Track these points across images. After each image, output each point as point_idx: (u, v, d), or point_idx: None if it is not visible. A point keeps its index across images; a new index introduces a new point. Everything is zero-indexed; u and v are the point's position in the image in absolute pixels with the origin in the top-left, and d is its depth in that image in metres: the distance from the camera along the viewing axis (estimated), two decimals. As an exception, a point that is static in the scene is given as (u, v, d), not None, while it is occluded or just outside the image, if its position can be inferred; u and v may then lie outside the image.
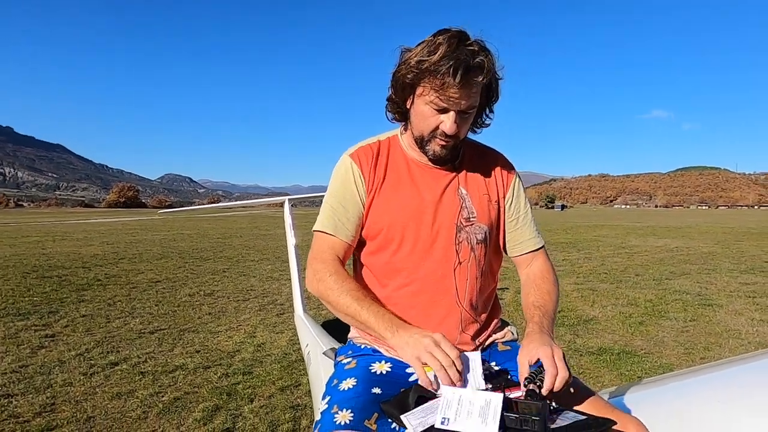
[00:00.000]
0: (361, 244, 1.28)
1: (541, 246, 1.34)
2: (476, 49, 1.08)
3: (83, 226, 24.42)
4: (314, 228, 1.26)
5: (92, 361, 3.80)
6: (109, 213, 62.69)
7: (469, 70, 1.06)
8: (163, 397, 3.14)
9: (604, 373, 3.68)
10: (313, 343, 2.41)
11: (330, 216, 1.24)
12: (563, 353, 0.99)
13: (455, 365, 0.96)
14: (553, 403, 0.89)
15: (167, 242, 15.01)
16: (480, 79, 1.09)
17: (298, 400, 3.14)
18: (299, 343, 3.05)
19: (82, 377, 3.45)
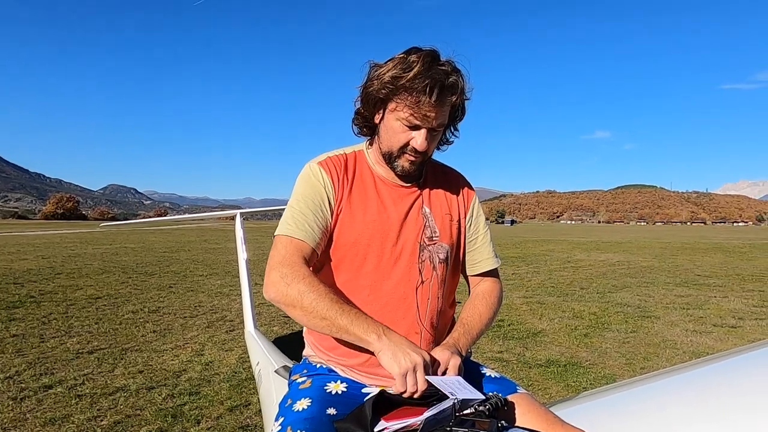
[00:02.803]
0: (322, 256, 1.24)
1: (495, 267, 1.36)
2: (449, 69, 1.11)
3: (16, 239, 22.90)
4: (279, 232, 1.18)
5: (23, 384, 3.54)
6: (45, 225, 59.18)
7: (443, 89, 1.09)
8: (102, 421, 2.96)
9: (552, 384, 3.79)
10: (265, 361, 2.35)
11: (297, 220, 1.18)
12: (461, 363, 1.08)
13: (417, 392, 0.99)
14: (503, 422, 0.91)
15: (109, 256, 14.29)
16: (453, 98, 1.13)
17: (248, 420, 3.04)
18: (250, 361, 2.97)
19: (11, 402, 3.20)
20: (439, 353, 1.09)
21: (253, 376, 2.71)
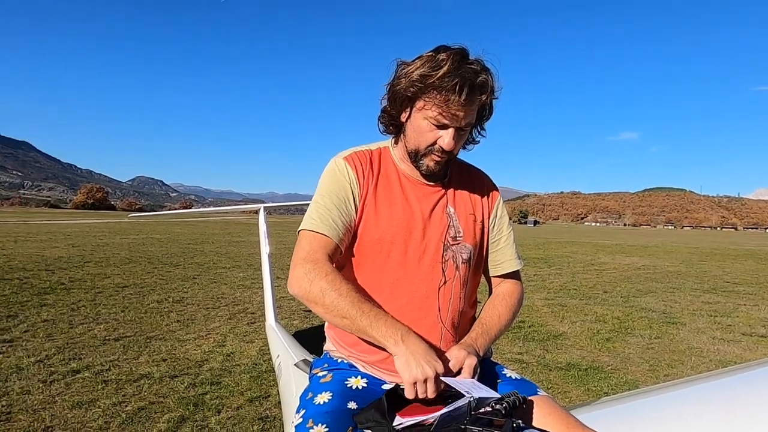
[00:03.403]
0: (346, 252, 1.23)
1: (517, 269, 1.35)
2: (478, 68, 1.10)
3: (48, 227, 23.63)
4: (304, 227, 1.18)
5: (52, 368, 3.66)
6: (76, 214, 60.92)
7: (473, 89, 1.08)
8: (126, 406, 3.04)
9: (572, 388, 3.74)
10: (285, 354, 2.38)
11: (322, 215, 1.17)
12: (476, 363, 1.08)
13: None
14: (519, 422, 0.91)
15: (136, 246, 14.64)
16: (483, 98, 1.12)
17: (267, 411, 3.08)
18: (270, 353, 3.01)
19: (41, 385, 3.32)
20: (456, 353, 1.09)
21: (273, 369, 2.75)
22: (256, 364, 3.98)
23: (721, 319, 6.57)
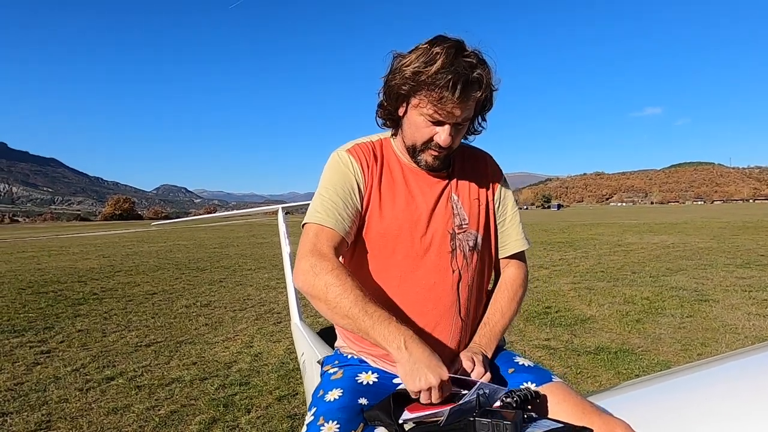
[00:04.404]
0: (352, 246, 1.22)
1: (523, 249, 1.33)
2: (474, 61, 1.05)
3: (79, 240, 24.34)
4: (309, 220, 1.15)
5: (88, 376, 3.78)
6: (105, 226, 62.53)
7: (467, 85, 1.04)
8: (159, 410, 3.12)
9: (602, 372, 3.68)
10: (309, 352, 2.40)
11: (328, 208, 1.14)
12: (486, 371, 1.08)
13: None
14: (532, 413, 0.89)
15: (163, 254, 14.96)
16: (478, 93, 1.08)
17: (296, 409, 3.12)
18: (296, 352, 3.04)
19: (77, 393, 3.43)
20: (464, 362, 1.09)
21: (299, 367, 2.78)
22: (283, 363, 4.04)
23: (756, 293, 6.37)
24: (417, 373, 0.95)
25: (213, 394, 3.38)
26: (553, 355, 4.13)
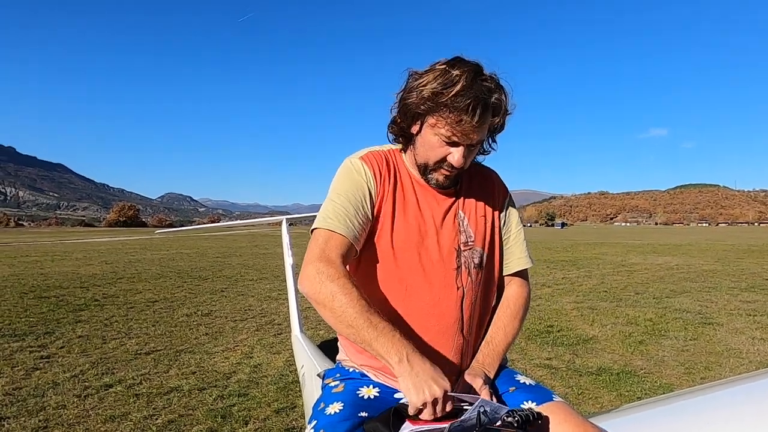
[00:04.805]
0: (359, 255, 1.20)
1: (526, 267, 1.33)
2: (492, 86, 1.07)
3: (83, 246, 24.39)
4: (320, 226, 1.14)
5: (87, 383, 3.76)
6: (109, 232, 62.70)
7: (486, 109, 1.06)
8: (157, 419, 3.10)
9: (604, 393, 3.64)
10: (309, 364, 2.40)
11: (339, 215, 1.13)
12: (488, 390, 1.07)
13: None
14: None
15: (166, 262, 14.97)
16: (495, 119, 1.11)
17: (294, 422, 3.10)
18: (296, 364, 3.03)
19: (75, 399, 3.41)
20: (466, 380, 1.10)
21: (298, 379, 2.76)
22: (282, 375, 4.01)
23: (761, 318, 6.31)
24: (422, 385, 0.94)
25: (211, 405, 3.36)
26: (555, 374, 4.09)
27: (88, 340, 5.15)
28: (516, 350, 4.84)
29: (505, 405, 0.95)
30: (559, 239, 36.29)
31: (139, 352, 4.70)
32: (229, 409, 3.28)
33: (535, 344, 5.06)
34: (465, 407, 0.95)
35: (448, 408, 0.95)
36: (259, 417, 3.17)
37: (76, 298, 7.85)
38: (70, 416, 3.12)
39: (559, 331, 5.67)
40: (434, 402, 0.94)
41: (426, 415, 0.94)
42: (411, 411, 0.96)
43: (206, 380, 3.89)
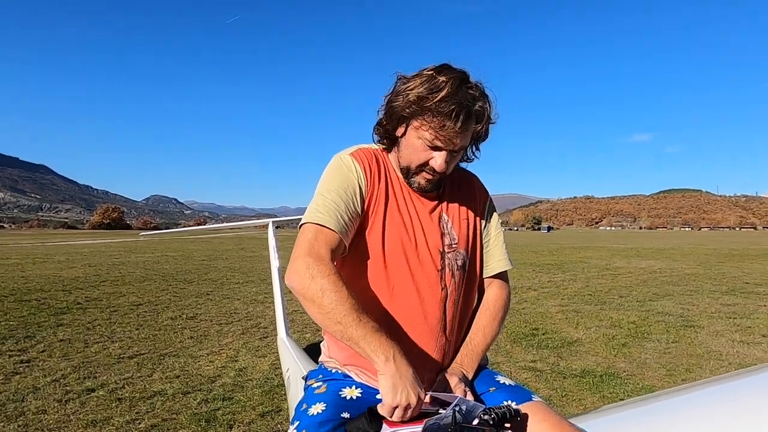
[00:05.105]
0: (347, 253, 1.20)
1: (506, 269, 1.35)
2: (477, 94, 1.09)
3: (65, 248, 24.01)
4: (310, 220, 1.12)
5: (68, 387, 3.70)
6: (92, 234, 61.83)
7: (469, 116, 1.08)
8: (139, 424, 3.07)
9: (587, 395, 3.68)
10: (294, 367, 2.39)
11: (330, 209, 1.12)
12: (466, 389, 1.10)
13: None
14: (509, 431, 0.90)
15: (151, 264, 14.80)
16: (478, 126, 1.12)
17: (279, 426, 3.08)
18: (281, 368, 3.02)
19: (56, 404, 3.36)
20: (445, 381, 1.11)
21: (283, 383, 2.75)
22: (268, 379, 3.99)
23: (741, 321, 6.43)
24: (400, 388, 0.96)
25: (195, 409, 3.33)
26: (539, 377, 4.12)
27: (70, 344, 5.07)
28: (501, 353, 4.87)
29: (484, 404, 0.97)
30: (545, 243, 36.58)
31: (122, 356, 4.64)
32: (214, 413, 3.25)
33: (521, 347, 5.10)
34: (442, 409, 0.96)
35: (415, 414, 0.97)
36: (244, 421, 3.15)
37: (58, 301, 7.72)
38: (51, 421, 3.07)
39: (544, 333, 5.72)
40: (407, 407, 0.96)
41: (395, 417, 0.96)
42: (383, 411, 0.97)
43: (190, 384, 3.85)
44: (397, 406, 0.96)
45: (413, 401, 0.96)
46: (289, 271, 1.09)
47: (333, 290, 1.02)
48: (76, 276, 11.30)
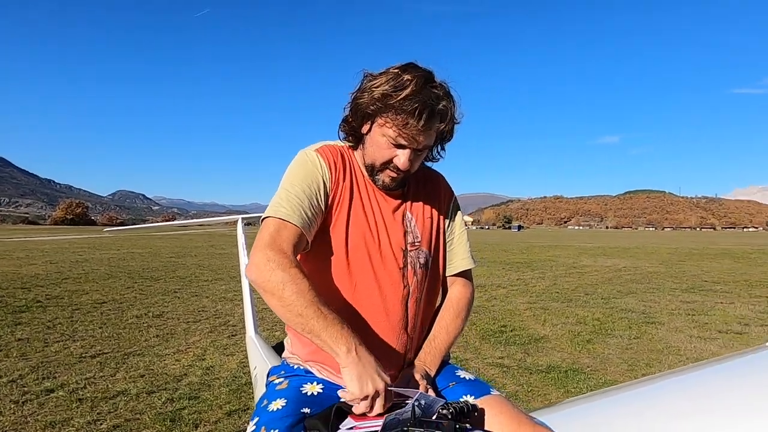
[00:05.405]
0: (310, 250, 1.20)
1: (469, 267, 1.37)
2: (441, 93, 1.10)
3: (25, 244, 23.12)
4: (272, 214, 1.12)
5: (26, 388, 3.57)
6: (54, 230, 59.74)
7: (432, 115, 1.09)
8: (101, 425, 2.99)
9: (552, 390, 3.77)
10: (262, 366, 2.36)
11: (293, 204, 1.12)
12: (427, 384, 1.12)
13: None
14: (467, 425, 0.92)
15: (116, 261, 14.40)
16: (442, 125, 1.13)
17: (246, 425, 3.03)
18: (249, 366, 2.98)
19: (12, 405, 3.23)
20: (407, 376, 1.12)
21: (251, 381, 2.72)
22: (236, 377, 3.94)
23: (698, 317, 6.69)
24: (366, 377, 0.97)
25: (160, 408, 3.26)
26: (506, 373, 4.20)
27: (29, 343, 4.89)
28: (470, 349, 4.94)
29: (444, 399, 0.98)
30: (515, 242, 37.18)
31: (83, 355, 4.50)
32: (179, 413, 3.19)
33: (489, 344, 5.18)
34: (404, 402, 0.97)
35: (387, 404, 0.97)
36: (210, 420, 3.10)
37: (16, 299, 7.43)
38: (6, 423, 2.96)
39: (512, 330, 5.82)
40: (374, 395, 0.96)
41: (362, 407, 0.96)
42: (347, 398, 0.97)
43: (155, 383, 3.77)
44: (366, 396, 0.96)
45: (380, 388, 0.97)
46: (249, 264, 1.08)
47: (293, 282, 1.02)
48: (37, 273, 10.90)
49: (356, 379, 0.97)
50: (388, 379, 0.99)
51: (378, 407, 0.97)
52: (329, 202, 1.19)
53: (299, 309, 1.01)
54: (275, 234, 1.09)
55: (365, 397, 0.96)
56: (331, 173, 1.19)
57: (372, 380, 0.97)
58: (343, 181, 1.21)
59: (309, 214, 1.13)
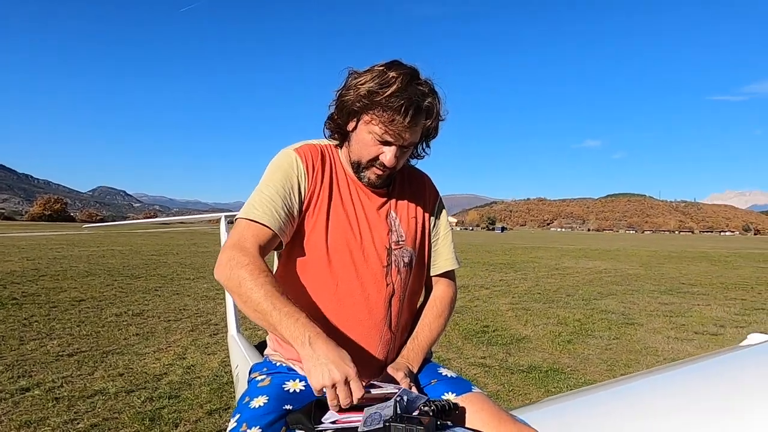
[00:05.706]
0: (291, 250, 1.21)
1: (453, 268, 1.38)
2: (426, 90, 1.11)
3: (1, 240, 22.59)
4: (242, 215, 1.13)
5: (0, 387, 3.50)
6: (32, 227, 58.44)
7: (418, 111, 1.09)
8: (78, 424, 2.93)
9: (532, 390, 3.81)
10: (244, 364, 2.35)
11: (265, 205, 1.12)
12: (410, 383, 1.10)
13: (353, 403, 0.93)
14: (448, 422, 0.93)
15: (95, 259, 14.14)
16: (427, 122, 1.14)
17: (227, 424, 3.01)
18: (231, 365, 2.96)
19: (-14, 405, 3.17)
20: (390, 373, 1.12)
21: (233, 380, 2.70)
22: (217, 376, 3.91)
23: (676, 318, 6.83)
24: (320, 369, 0.92)
25: (139, 408, 3.22)
26: (488, 372, 4.23)
27: (4, 341, 4.78)
28: (453, 349, 4.97)
29: (426, 396, 0.99)
30: (498, 243, 37.47)
31: (61, 353, 4.42)
32: (159, 412, 3.15)
33: (471, 344, 5.22)
34: (386, 398, 0.97)
35: (357, 394, 0.92)
36: (191, 419, 3.07)
37: (-9, 296, 7.27)
38: (-21, 423, 2.90)
39: (494, 331, 5.87)
40: (334, 386, 0.91)
41: (329, 399, 0.92)
42: (317, 393, 0.94)
43: (135, 382, 3.72)
44: (334, 385, 0.91)
45: (338, 377, 0.91)
46: (216, 264, 1.09)
47: (250, 278, 1.01)
48: (12, 270, 10.66)
49: (311, 371, 0.93)
50: (351, 370, 0.93)
51: (344, 397, 0.91)
52: (306, 203, 1.19)
53: (256, 304, 1.00)
54: (241, 234, 1.11)
55: (333, 387, 0.92)
56: (308, 173, 1.20)
57: (328, 371, 0.91)
58: (322, 181, 1.21)
59: (282, 214, 1.13)
